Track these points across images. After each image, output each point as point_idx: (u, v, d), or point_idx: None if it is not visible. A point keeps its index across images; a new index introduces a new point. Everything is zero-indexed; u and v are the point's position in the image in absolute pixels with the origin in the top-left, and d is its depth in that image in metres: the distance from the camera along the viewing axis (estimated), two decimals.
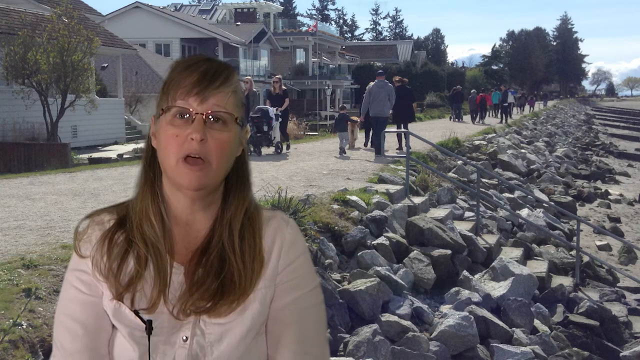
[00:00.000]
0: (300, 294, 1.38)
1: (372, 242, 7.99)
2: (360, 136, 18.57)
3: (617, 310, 8.82)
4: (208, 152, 1.28)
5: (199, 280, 1.33)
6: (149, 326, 1.29)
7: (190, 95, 1.28)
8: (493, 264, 8.55)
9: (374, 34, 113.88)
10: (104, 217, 1.39)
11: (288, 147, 16.89)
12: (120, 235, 1.36)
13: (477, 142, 21.36)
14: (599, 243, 13.63)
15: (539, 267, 9.75)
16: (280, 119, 16.28)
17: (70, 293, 1.37)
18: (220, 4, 64.00)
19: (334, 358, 5.41)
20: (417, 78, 57.49)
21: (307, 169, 12.45)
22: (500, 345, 6.57)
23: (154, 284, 1.32)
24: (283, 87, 17.33)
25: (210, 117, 1.29)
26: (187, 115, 1.28)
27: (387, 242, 8.14)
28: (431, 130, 22.70)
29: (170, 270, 1.33)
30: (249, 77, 17.39)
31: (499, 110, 36.49)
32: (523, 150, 24.42)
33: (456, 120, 33.61)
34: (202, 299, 1.31)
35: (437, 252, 8.37)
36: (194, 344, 1.32)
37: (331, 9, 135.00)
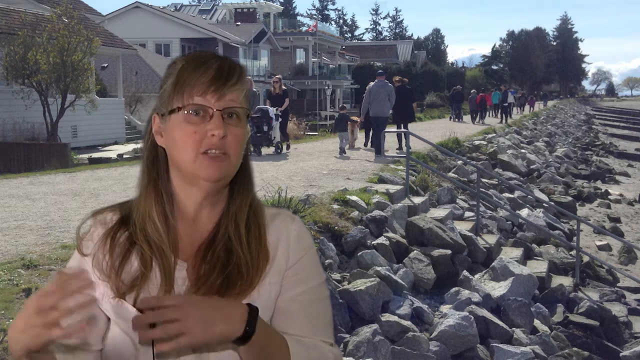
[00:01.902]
0: (307, 288, 1.39)
1: (372, 242, 7.99)
2: (360, 136, 18.57)
3: (617, 310, 8.82)
4: (228, 146, 1.30)
5: (204, 275, 1.33)
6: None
7: (207, 92, 1.30)
8: (493, 264, 8.55)
9: (374, 34, 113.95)
10: (107, 216, 1.40)
11: (288, 147, 16.90)
12: (122, 234, 1.36)
13: (477, 142, 21.36)
14: (599, 243, 13.64)
15: (539, 267, 9.75)
16: (280, 119, 16.28)
17: None
18: (220, 4, 64.01)
19: None
20: (417, 78, 57.51)
21: (307, 169, 12.45)
22: (500, 345, 6.57)
23: (160, 284, 1.32)
24: (283, 87, 17.34)
25: (227, 113, 1.31)
26: (203, 112, 1.30)
27: (387, 242, 8.14)
28: (431, 130, 22.70)
29: (174, 269, 1.34)
30: (249, 77, 17.29)
31: (499, 110, 36.50)
32: (523, 150, 24.41)
33: (456, 120, 33.61)
34: (208, 293, 1.31)
35: (437, 252, 8.37)
36: None
37: (331, 9, 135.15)
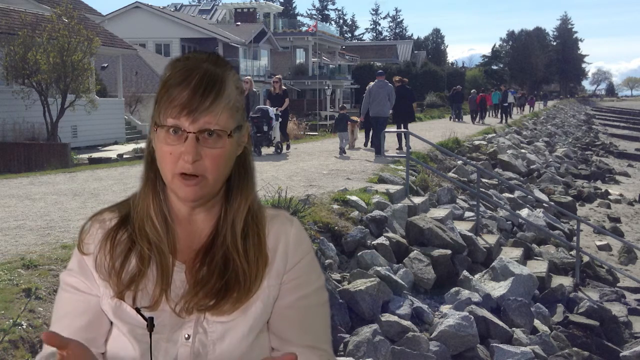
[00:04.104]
0: (306, 293, 1.39)
1: (372, 242, 7.98)
2: (360, 136, 18.57)
3: (617, 310, 8.82)
4: (203, 169, 1.27)
5: (203, 279, 1.33)
6: (150, 323, 1.29)
7: (181, 115, 1.26)
8: (493, 264, 8.55)
9: (374, 34, 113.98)
10: (106, 216, 1.40)
11: (288, 147, 16.90)
12: (122, 234, 1.37)
13: (477, 142, 21.35)
14: (599, 243, 13.63)
15: (539, 267, 9.75)
16: (280, 119, 16.28)
17: (67, 291, 1.38)
18: (220, 4, 64.00)
19: None
20: (417, 78, 57.50)
21: (307, 169, 12.45)
22: (500, 345, 6.57)
23: (157, 282, 1.32)
24: (283, 87, 17.33)
25: (203, 133, 1.27)
26: (181, 131, 1.27)
27: (387, 242, 8.14)
28: (431, 130, 22.70)
29: (172, 269, 1.34)
30: (249, 77, 17.39)
31: (499, 110, 36.50)
32: (523, 150, 24.41)
33: (456, 120, 33.61)
34: (206, 297, 1.31)
35: (437, 252, 8.36)
36: (197, 342, 1.32)
37: (331, 9, 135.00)
